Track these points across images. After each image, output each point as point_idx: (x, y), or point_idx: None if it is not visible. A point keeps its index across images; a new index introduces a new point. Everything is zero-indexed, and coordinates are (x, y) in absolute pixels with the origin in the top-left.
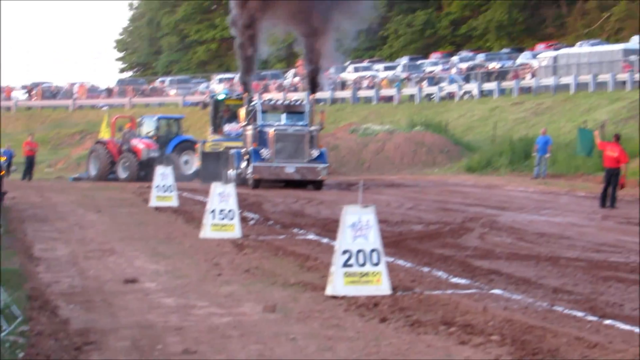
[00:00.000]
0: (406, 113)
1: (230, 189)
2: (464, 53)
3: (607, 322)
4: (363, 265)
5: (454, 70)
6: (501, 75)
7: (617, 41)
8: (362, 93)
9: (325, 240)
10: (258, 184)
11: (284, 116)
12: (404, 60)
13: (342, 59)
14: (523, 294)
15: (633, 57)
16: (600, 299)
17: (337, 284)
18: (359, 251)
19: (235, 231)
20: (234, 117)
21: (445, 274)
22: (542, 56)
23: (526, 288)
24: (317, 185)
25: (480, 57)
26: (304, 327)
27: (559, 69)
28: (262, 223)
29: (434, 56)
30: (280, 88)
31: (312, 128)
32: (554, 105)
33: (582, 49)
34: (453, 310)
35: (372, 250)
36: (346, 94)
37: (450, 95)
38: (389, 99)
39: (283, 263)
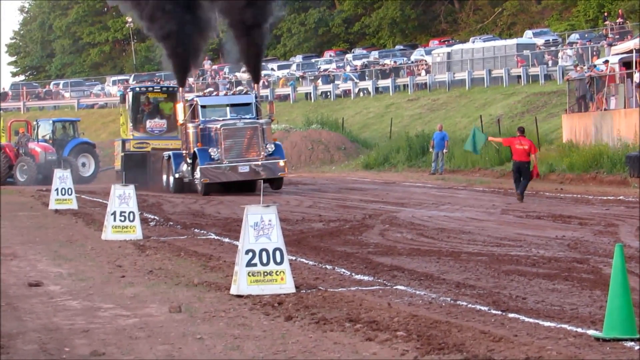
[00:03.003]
0: (302, 111)
1: (130, 191)
2: (358, 50)
3: (511, 315)
4: (267, 264)
5: (348, 68)
6: (395, 72)
7: (510, 36)
8: None
9: (226, 239)
10: (209, 188)
11: (228, 110)
12: (298, 58)
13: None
14: (426, 289)
15: (526, 52)
16: (503, 293)
17: (242, 283)
18: (262, 250)
19: (136, 233)
20: (156, 112)
21: (348, 271)
22: (436, 52)
23: (429, 283)
24: (277, 183)
25: (374, 55)
26: (210, 327)
27: (453, 64)
28: (163, 224)
29: (328, 54)
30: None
31: (262, 120)
32: (449, 101)
33: (476, 44)
34: (358, 307)
35: (275, 249)
36: None
37: (346, 93)
38: (285, 97)
39: (186, 263)
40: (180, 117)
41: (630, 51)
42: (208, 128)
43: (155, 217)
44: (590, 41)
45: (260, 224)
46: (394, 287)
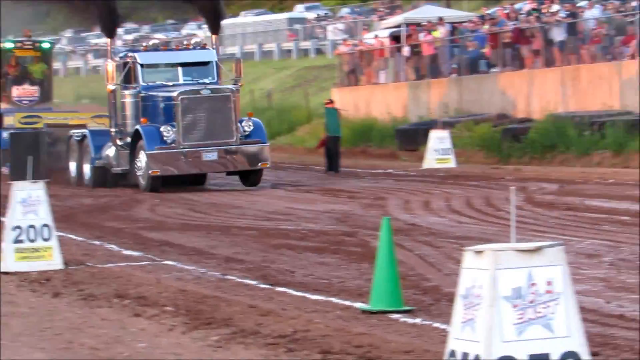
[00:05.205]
0: (72, 86)
1: None
2: (129, 25)
3: (279, 289)
4: (34, 240)
5: (119, 42)
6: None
7: (281, 10)
8: None
9: None
10: (158, 183)
11: (180, 71)
12: (68, 33)
13: None
14: (195, 264)
15: (297, 26)
16: (271, 267)
17: (8, 260)
18: (29, 227)
19: None
20: (25, 76)
21: (117, 246)
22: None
23: (198, 258)
24: (254, 178)
25: (145, 29)
26: None
27: (225, 38)
28: None
29: (99, 29)
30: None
31: (232, 86)
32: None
33: (247, 18)
34: (126, 283)
35: (43, 226)
36: None
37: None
38: (54, 72)
39: None
40: (110, 81)
41: (400, 25)
42: (152, 97)
43: None
44: (361, 15)
45: (28, 200)
46: (163, 262)
